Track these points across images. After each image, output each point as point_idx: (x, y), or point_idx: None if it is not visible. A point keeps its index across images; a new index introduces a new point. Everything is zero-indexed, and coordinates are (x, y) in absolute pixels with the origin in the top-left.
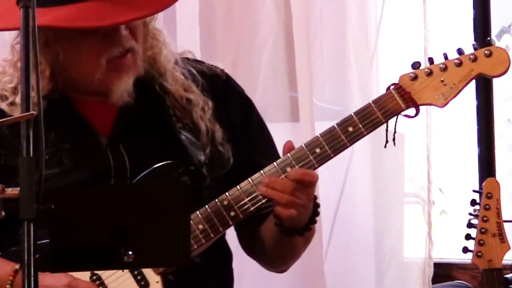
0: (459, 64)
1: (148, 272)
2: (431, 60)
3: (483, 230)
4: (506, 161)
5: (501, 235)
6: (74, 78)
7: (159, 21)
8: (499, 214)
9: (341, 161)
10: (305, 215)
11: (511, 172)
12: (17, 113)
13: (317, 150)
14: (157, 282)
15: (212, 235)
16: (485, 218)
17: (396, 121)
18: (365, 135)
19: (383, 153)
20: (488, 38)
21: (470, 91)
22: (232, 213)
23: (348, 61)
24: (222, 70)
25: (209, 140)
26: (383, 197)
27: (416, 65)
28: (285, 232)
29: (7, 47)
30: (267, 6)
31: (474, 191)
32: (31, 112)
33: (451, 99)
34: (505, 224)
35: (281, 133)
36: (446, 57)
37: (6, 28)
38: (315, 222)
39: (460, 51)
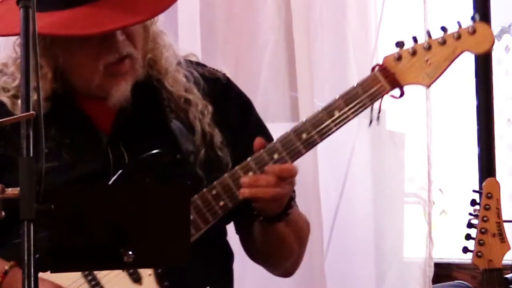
0: (443, 43)
1: None
2: (415, 39)
3: (483, 230)
4: (506, 161)
5: (501, 235)
6: (74, 81)
7: (160, 22)
8: (499, 214)
9: (341, 161)
10: (282, 203)
11: (511, 172)
12: (17, 107)
13: (304, 136)
14: (150, 275)
15: (202, 225)
16: (485, 218)
17: (381, 101)
18: (351, 119)
19: (383, 153)
20: (472, 15)
21: (470, 91)
22: (221, 203)
23: (348, 61)
24: (224, 74)
25: (205, 143)
26: (383, 197)
27: (400, 45)
28: (264, 220)
29: (10, 43)
30: (268, 7)
31: (474, 191)
32: (31, 112)
33: (436, 79)
34: (505, 224)
35: (281, 133)
36: (430, 36)
37: (5, 34)
38: (291, 206)
39: (444, 29)
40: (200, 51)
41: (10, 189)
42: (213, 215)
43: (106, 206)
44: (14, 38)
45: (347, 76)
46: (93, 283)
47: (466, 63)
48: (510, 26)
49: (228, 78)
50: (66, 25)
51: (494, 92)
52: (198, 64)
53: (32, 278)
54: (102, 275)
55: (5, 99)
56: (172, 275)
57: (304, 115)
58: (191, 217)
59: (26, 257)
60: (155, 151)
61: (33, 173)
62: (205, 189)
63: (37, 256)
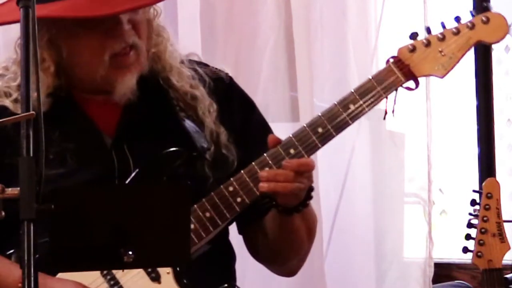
0: (457, 33)
1: None
2: (428, 30)
3: (483, 230)
4: (506, 161)
5: (501, 235)
6: (78, 74)
7: (161, 21)
8: (499, 214)
9: (341, 161)
10: (300, 197)
11: (511, 172)
12: (20, 110)
13: (320, 130)
14: (168, 273)
15: (219, 222)
16: (485, 218)
17: (396, 93)
18: (366, 112)
19: (383, 153)
20: (485, 4)
21: (470, 91)
22: (239, 199)
23: (348, 61)
24: (227, 74)
25: (213, 140)
26: (383, 197)
27: (414, 36)
28: (283, 210)
29: (10, 44)
30: (268, 7)
31: (474, 191)
32: (31, 112)
33: (451, 69)
34: (505, 224)
35: (281, 133)
36: (444, 26)
37: (5, 21)
38: (311, 197)
39: (458, 19)
40: (200, 51)
41: (10, 189)
42: (231, 212)
43: (106, 206)
44: (14, 39)
45: (347, 76)
46: (112, 282)
47: (466, 63)
48: (510, 26)
49: (231, 78)
50: (75, 9)
51: (494, 92)
52: (200, 63)
53: (32, 278)
54: (121, 274)
55: (8, 103)
56: (191, 273)
57: (304, 115)
58: (209, 214)
59: (26, 257)
60: (173, 148)
61: (33, 173)
62: (221, 186)
63: (37, 256)
